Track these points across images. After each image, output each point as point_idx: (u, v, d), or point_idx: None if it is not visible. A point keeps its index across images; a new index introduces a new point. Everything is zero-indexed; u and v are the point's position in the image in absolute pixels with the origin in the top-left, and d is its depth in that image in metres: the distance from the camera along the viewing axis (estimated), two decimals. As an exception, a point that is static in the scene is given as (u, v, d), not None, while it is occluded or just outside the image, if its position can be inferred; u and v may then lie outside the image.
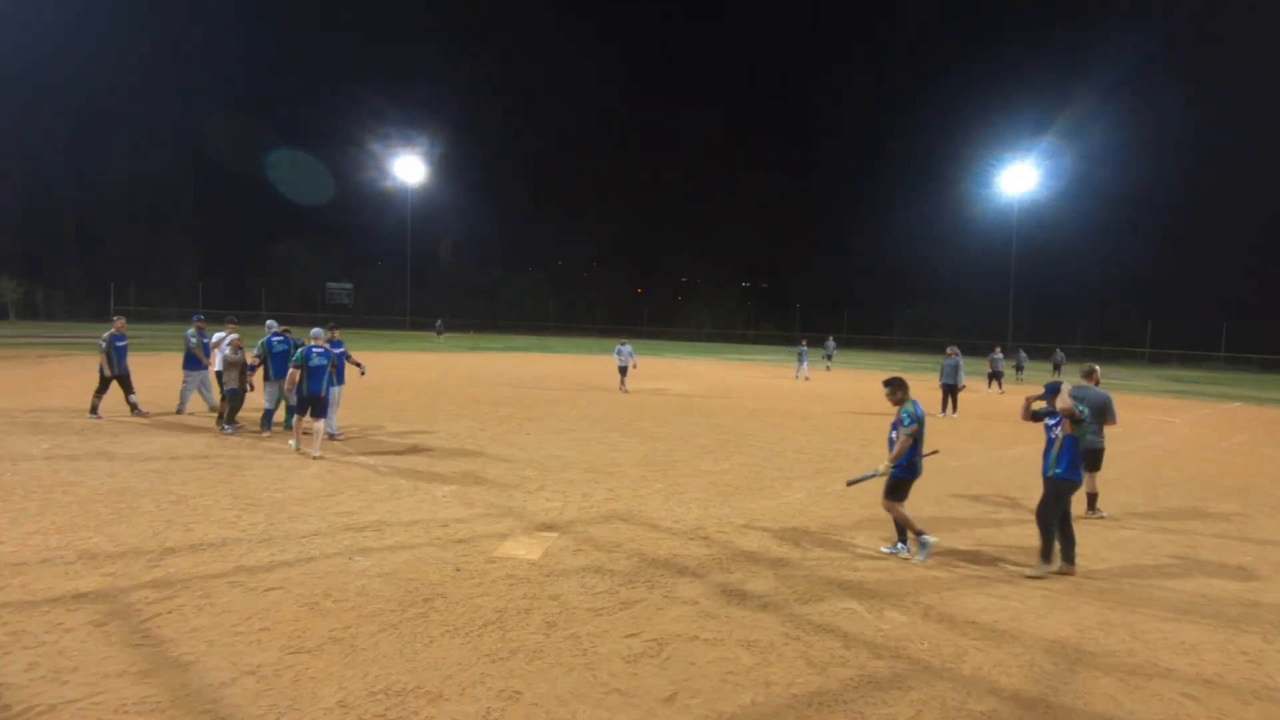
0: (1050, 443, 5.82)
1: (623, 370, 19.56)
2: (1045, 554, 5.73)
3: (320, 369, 9.19)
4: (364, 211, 78.60)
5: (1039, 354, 44.44)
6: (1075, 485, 5.82)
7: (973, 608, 4.98)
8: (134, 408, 11.66)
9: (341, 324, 11.53)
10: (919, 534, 5.98)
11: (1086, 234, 68.71)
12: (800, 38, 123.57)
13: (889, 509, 6.08)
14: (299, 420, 9.34)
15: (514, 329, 72.01)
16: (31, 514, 6.19)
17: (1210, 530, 7.44)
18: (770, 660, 4.05)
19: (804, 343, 28.45)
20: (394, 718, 3.30)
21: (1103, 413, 7.41)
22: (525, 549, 5.78)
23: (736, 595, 5.00)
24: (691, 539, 6.28)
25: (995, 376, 24.63)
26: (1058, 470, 5.73)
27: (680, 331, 78.45)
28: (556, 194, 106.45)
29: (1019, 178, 57.96)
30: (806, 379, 26.63)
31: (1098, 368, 7.89)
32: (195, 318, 12.24)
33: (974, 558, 6.14)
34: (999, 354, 25.38)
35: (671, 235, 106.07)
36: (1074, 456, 5.72)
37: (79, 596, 4.50)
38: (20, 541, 5.48)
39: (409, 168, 66.72)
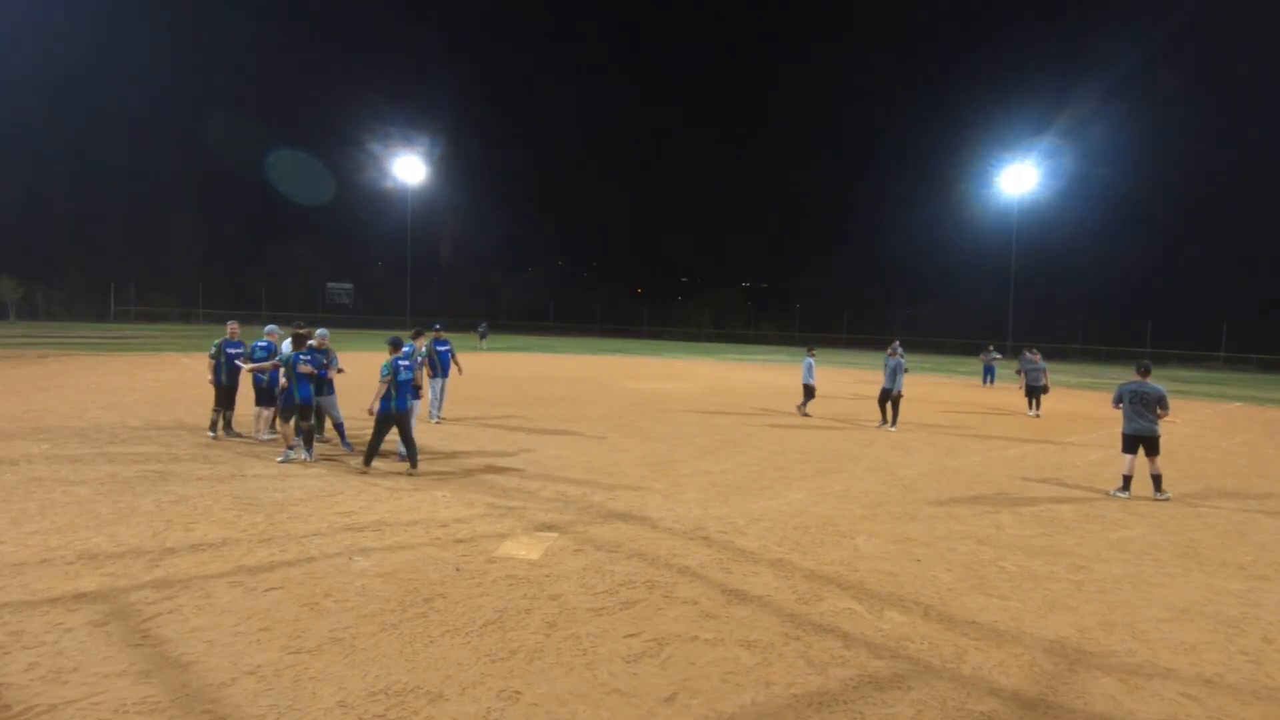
0: (399, 386, 8.32)
1: (810, 390, 15.53)
2: (368, 459, 8.43)
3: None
4: (364, 211, 78.73)
5: (1010, 352, 44.45)
6: (400, 415, 8.40)
7: (973, 608, 4.98)
8: (227, 425, 10.50)
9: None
10: (290, 447, 8.71)
11: (1086, 234, 68.73)
12: (801, 37, 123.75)
13: (281, 427, 8.84)
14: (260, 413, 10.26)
15: (514, 329, 72.01)
16: (31, 514, 6.19)
17: (1211, 530, 7.44)
18: (770, 660, 4.05)
19: (896, 347, 21.38)
20: (394, 718, 3.30)
21: (1159, 403, 8.68)
22: (525, 549, 5.78)
23: (736, 595, 5.00)
24: (691, 539, 6.28)
25: (1033, 393, 17.78)
26: (387, 406, 8.29)
27: (680, 331, 78.41)
28: (556, 194, 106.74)
29: (1019, 178, 57.96)
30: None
31: (1150, 364, 9.16)
32: (435, 327, 12.72)
33: (973, 558, 6.14)
34: (1039, 360, 18.08)
35: (671, 235, 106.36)
36: (386, 400, 8.29)
37: (79, 596, 4.50)
38: (20, 541, 5.48)
39: (409, 168, 66.72)
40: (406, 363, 8.49)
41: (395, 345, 8.70)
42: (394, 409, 8.34)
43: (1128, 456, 8.84)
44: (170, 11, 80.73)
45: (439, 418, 12.42)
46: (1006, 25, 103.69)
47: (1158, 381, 8.98)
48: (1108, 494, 8.89)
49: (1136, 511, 8.11)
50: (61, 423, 10.82)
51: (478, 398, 16.07)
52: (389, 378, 8.25)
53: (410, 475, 8.24)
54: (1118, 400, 8.99)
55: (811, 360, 15.52)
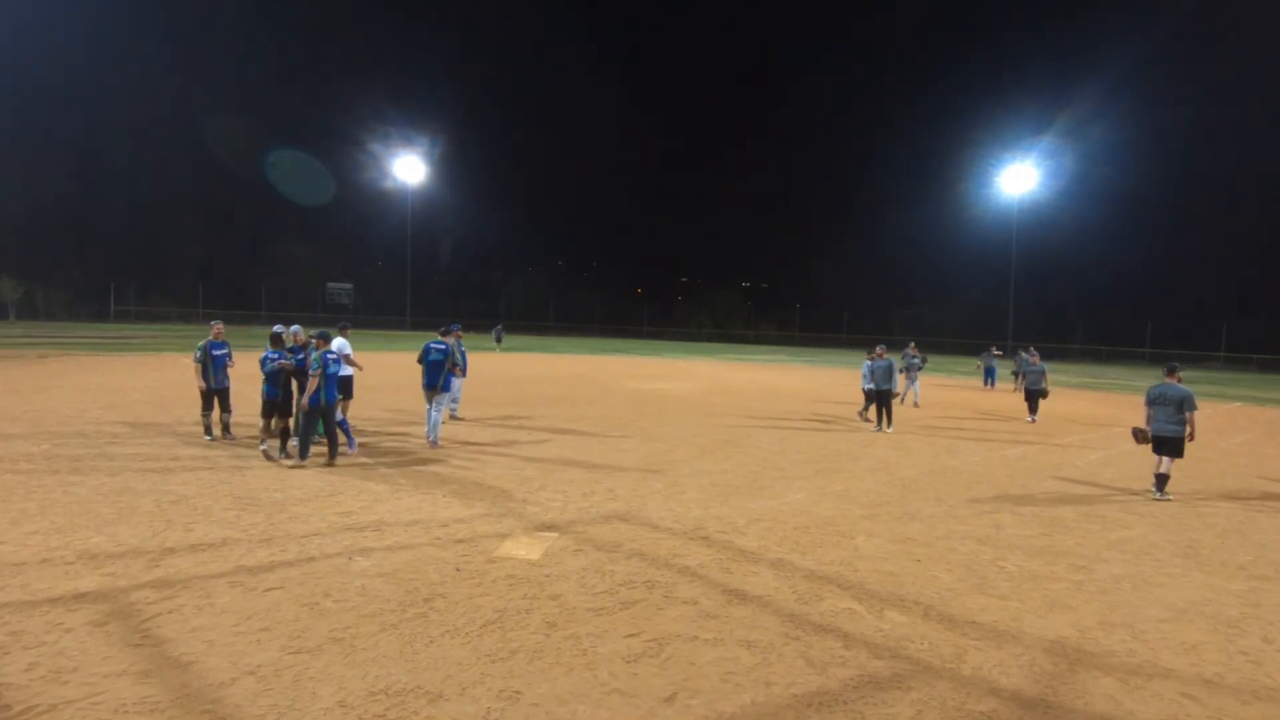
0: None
1: (874, 395, 13.95)
2: (302, 453, 8.64)
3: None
4: (364, 211, 78.71)
5: (1010, 353, 44.51)
6: (322, 408, 8.57)
7: (973, 608, 4.98)
8: (225, 429, 10.11)
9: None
10: (263, 441, 9.04)
11: (1086, 234, 68.76)
12: (800, 36, 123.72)
13: (272, 425, 9.00)
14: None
15: (514, 329, 72.00)
16: (31, 514, 6.19)
17: (1211, 530, 7.44)
18: (770, 660, 4.05)
19: (913, 348, 20.15)
20: (394, 718, 3.30)
21: (1182, 404, 8.67)
22: (525, 549, 5.78)
23: (736, 595, 5.00)
24: (691, 539, 6.28)
25: (1032, 396, 16.66)
26: (316, 399, 8.47)
27: (680, 331, 78.47)
28: (556, 194, 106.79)
29: (1019, 178, 58.02)
30: (916, 405, 18.58)
31: (1178, 366, 9.18)
32: (454, 328, 11.34)
33: (973, 558, 6.14)
34: (1038, 363, 16.94)
35: (671, 235, 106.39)
36: (316, 394, 8.44)
37: (79, 596, 4.50)
38: (20, 541, 5.48)
39: (409, 168, 66.76)
40: (334, 356, 8.83)
41: (324, 339, 8.95)
42: (324, 400, 8.58)
43: (1156, 456, 8.90)
44: (170, 12, 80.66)
45: (457, 414, 13.02)
46: (1006, 25, 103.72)
47: (1158, 382, 8.99)
48: (1151, 496, 8.77)
49: (1136, 511, 8.11)
50: (61, 423, 10.82)
51: (478, 397, 16.06)
52: (319, 371, 8.49)
53: (327, 467, 8.56)
54: (1146, 401, 9.08)
55: (870, 363, 14.22)
